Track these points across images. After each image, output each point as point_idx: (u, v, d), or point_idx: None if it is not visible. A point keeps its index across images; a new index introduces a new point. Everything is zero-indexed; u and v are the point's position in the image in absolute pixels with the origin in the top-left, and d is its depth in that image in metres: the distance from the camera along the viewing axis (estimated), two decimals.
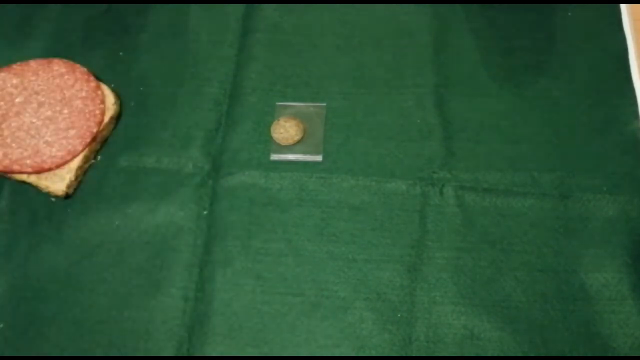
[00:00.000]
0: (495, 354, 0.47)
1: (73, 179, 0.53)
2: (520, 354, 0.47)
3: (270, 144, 0.55)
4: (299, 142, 0.55)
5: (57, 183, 0.52)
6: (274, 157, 0.55)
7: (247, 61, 0.59)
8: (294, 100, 0.57)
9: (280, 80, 0.58)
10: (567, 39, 0.59)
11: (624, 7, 0.60)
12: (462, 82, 0.57)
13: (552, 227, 0.51)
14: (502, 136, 0.54)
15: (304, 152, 0.55)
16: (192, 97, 0.58)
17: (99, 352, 0.48)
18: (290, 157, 0.55)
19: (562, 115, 0.55)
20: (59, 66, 0.56)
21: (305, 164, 0.54)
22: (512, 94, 0.56)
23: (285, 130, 0.55)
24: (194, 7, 0.62)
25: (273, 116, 0.56)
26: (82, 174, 0.54)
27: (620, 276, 0.49)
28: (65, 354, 0.48)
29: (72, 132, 0.53)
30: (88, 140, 0.53)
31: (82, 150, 0.53)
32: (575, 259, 0.50)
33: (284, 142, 0.55)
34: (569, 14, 0.60)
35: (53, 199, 0.54)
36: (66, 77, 0.55)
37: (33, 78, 0.55)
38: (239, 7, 0.62)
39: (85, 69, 0.56)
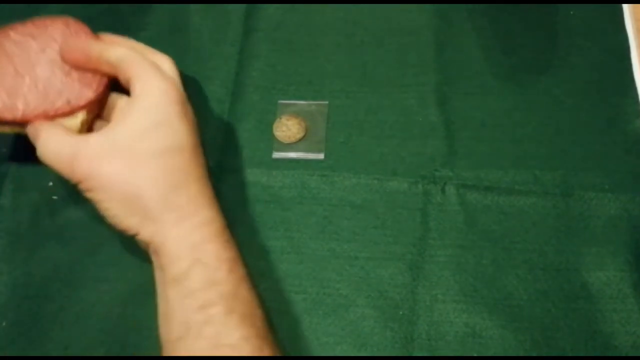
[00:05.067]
0: (497, 352, 0.47)
1: (85, 116, 0.50)
2: (521, 352, 0.47)
3: (272, 142, 0.55)
4: (301, 140, 0.55)
5: (71, 119, 0.49)
6: (276, 155, 0.55)
7: (249, 59, 0.59)
8: (296, 99, 0.57)
9: (282, 79, 0.58)
10: (569, 38, 0.59)
11: (625, 7, 0.60)
12: (464, 80, 0.57)
13: (554, 226, 0.51)
14: (504, 134, 0.54)
15: (306, 150, 0.55)
16: (193, 96, 0.58)
17: (101, 350, 0.48)
18: (292, 155, 0.55)
19: (564, 114, 0.55)
20: (65, 24, 0.53)
21: (307, 162, 0.54)
22: (514, 92, 0.56)
23: (288, 128, 0.55)
24: (195, 6, 0.62)
25: (275, 114, 0.56)
26: (94, 117, 0.51)
27: (622, 274, 0.49)
28: (68, 351, 0.48)
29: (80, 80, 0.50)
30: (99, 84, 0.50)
31: (95, 94, 0.50)
32: (577, 257, 0.50)
33: (286, 140, 0.55)
34: (571, 12, 0.60)
35: (55, 197, 0.54)
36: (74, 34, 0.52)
37: (43, 33, 0.53)
38: (241, 6, 0.62)
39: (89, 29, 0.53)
